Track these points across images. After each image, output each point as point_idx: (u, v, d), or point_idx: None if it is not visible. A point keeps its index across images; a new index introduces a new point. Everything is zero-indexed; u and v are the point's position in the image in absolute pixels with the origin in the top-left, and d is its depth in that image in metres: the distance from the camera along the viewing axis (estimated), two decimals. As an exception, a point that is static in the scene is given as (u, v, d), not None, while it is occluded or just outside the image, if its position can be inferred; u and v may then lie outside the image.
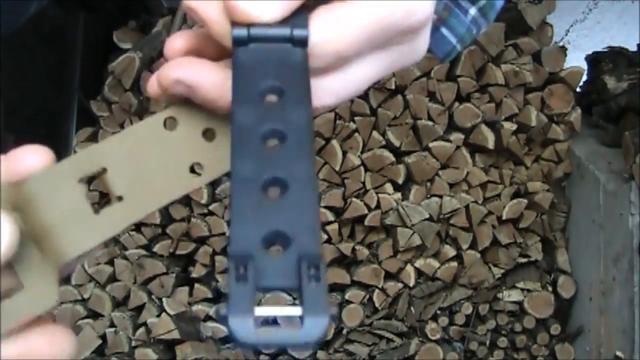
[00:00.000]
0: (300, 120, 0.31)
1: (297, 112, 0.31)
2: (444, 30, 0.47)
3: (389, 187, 2.03)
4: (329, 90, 0.36)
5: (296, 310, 0.26)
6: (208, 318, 2.07)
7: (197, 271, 2.07)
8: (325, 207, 2.00)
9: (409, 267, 2.05)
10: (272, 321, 0.27)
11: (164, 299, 2.05)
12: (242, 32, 0.33)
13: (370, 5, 0.33)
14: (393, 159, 2.01)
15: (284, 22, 0.33)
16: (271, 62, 0.33)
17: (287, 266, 0.27)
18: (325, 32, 0.33)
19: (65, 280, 2.09)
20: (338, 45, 0.33)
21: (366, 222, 2.01)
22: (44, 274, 0.31)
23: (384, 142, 2.01)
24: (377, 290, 2.05)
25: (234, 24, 0.33)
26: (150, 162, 0.34)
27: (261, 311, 0.26)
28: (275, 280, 0.27)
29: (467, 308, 2.09)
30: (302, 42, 0.33)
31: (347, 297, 2.06)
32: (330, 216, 2.01)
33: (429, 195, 2.03)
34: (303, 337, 0.26)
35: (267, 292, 0.27)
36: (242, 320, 0.25)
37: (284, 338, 0.26)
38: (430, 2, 0.36)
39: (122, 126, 2.00)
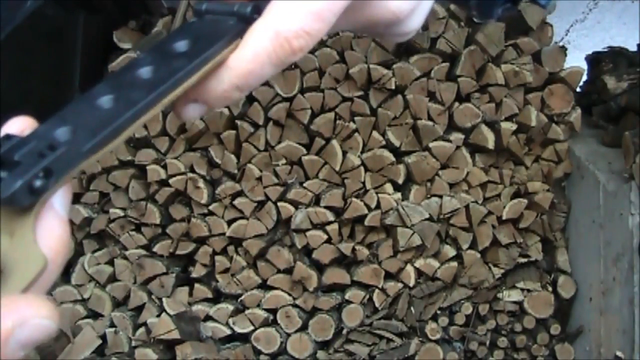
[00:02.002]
0: (175, 71, 0.35)
1: (180, 64, 0.36)
2: None
3: (389, 187, 2.03)
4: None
5: (3, 173, 0.30)
6: (208, 318, 2.07)
7: (197, 271, 2.07)
8: (325, 207, 2.00)
9: (409, 267, 2.05)
10: None
11: (164, 299, 2.05)
12: (200, 6, 0.39)
13: None
14: (393, 159, 2.01)
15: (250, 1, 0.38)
16: (207, 29, 0.38)
17: (41, 145, 0.31)
18: None
19: (65, 280, 2.09)
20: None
21: (366, 222, 2.01)
22: (18, 241, 0.30)
23: (384, 142, 2.01)
24: (377, 290, 2.05)
25: None
26: None
27: None
28: (23, 152, 0.31)
29: (467, 308, 2.09)
30: (244, 18, 0.38)
31: (347, 297, 2.06)
32: (330, 216, 2.01)
33: (429, 195, 2.03)
34: None
35: None
36: None
37: None
38: None
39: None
